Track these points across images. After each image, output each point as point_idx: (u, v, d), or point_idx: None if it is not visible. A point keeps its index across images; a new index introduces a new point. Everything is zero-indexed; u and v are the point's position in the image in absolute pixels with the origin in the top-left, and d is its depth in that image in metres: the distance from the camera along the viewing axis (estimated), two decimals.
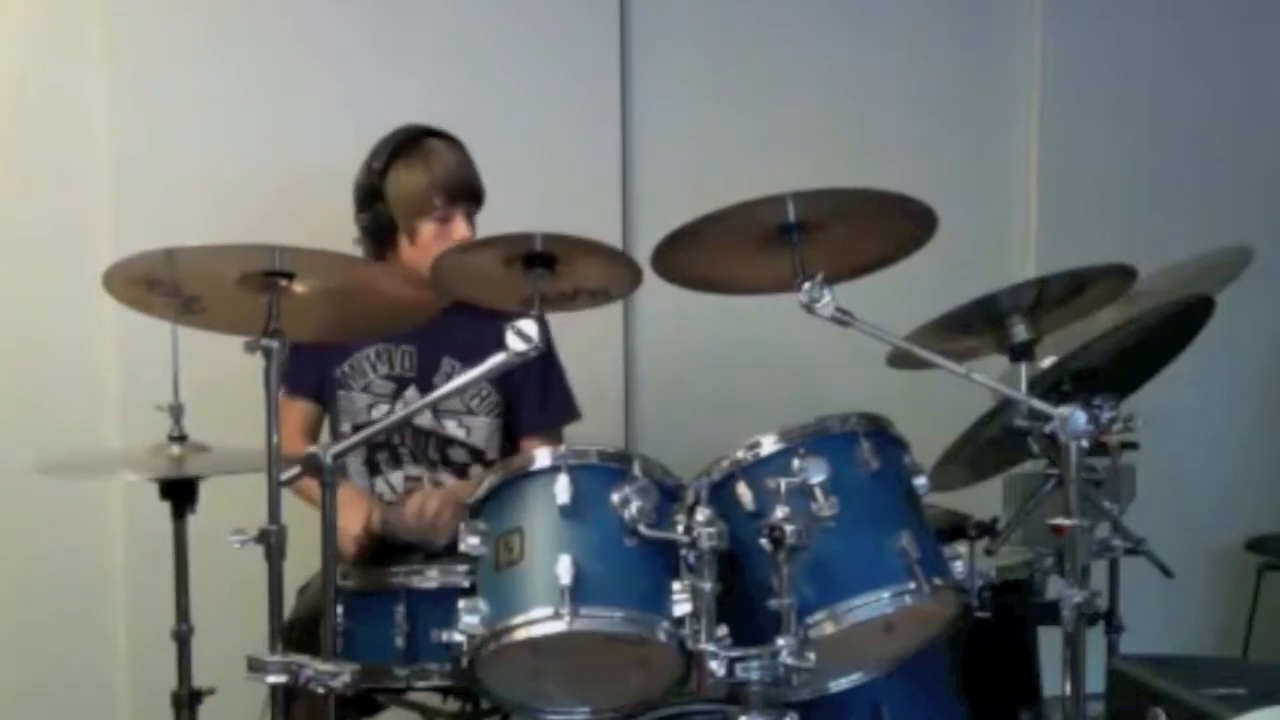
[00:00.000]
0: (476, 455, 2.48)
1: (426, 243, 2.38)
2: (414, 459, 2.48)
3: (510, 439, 2.50)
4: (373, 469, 2.49)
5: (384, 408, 2.44)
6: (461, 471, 2.48)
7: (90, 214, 2.91)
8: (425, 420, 2.46)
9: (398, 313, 2.11)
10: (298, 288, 1.89)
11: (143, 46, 2.96)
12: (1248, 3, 3.56)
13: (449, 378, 2.39)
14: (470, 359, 1.89)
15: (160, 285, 1.88)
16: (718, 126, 3.26)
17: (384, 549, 2.23)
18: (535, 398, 2.49)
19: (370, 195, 2.42)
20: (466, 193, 2.41)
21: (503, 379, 2.44)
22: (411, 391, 2.44)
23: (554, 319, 2.20)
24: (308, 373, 2.47)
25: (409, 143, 2.42)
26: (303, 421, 2.51)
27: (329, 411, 2.53)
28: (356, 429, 2.42)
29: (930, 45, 3.42)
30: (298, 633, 1.99)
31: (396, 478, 2.48)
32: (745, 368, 3.23)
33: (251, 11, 3.02)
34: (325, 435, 2.53)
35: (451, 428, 2.47)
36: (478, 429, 2.48)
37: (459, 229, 2.39)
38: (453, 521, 2.27)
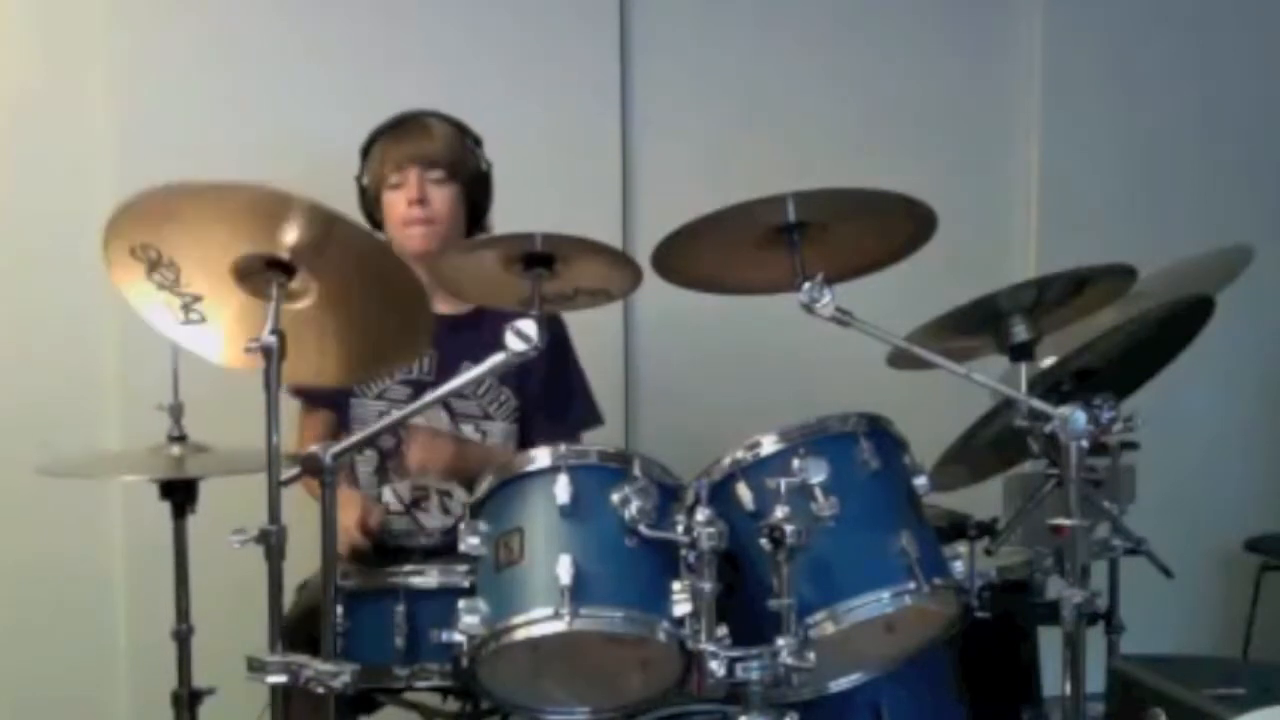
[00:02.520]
0: None
1: (388, 211, 2.43)
2: None
3: (525, 444, 2.48)
4: (382, 477, 2.49)
5: (397, 413, 2.42)
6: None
7: (90, 213, 2.90)
8: (441, 424, 2.45)
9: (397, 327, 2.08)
10: (297, 287, 1.88)
11: (143, 45, 2.96)
12: (1247, 3, 3.56)
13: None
14: None
15: (160, 268, 1.87)
16: (718, 126, 3.26)
17: (381, 550, 2.24)
18: (550, 404, 2.49)
19: (358, 180, 2.46)
20: (416, 158, 2.40)
21: (519, 383, 2.44)
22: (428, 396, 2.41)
23: None
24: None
25: (387, 127, 2.45)
26: (323, 431, 2.50)
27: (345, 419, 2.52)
28: None
29: (930, 46, 3.42)
30: (294, 629, 1.98)
31: (404, 486, 2.47)
32: (745, 368, 3.23)
33: (252, 12, 3.02)
34: None
35: (468, 432, 2.46)
36: (494, 433, 2.47)
37: (409, 190, 2.39)
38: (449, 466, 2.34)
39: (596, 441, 2.18)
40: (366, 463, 2.47)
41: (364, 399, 2.47)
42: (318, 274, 1.89)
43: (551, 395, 2.49)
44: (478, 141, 2.49)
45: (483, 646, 1.80)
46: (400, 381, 2.46)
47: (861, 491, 1.90)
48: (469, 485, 2.38)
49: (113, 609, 2.99)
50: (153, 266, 1.88)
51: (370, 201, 2.47)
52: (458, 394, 2.31)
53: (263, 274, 1.85)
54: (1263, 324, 3.53)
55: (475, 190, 2.46)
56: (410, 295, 1.93)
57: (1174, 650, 3.15)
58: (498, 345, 1.83)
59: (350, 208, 2.47)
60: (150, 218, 1.83)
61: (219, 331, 1.92)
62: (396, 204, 2.41)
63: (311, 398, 2.52)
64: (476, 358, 2.31)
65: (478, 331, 2.29)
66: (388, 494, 2.47)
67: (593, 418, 2.54)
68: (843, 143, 3.30)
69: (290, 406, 2.42)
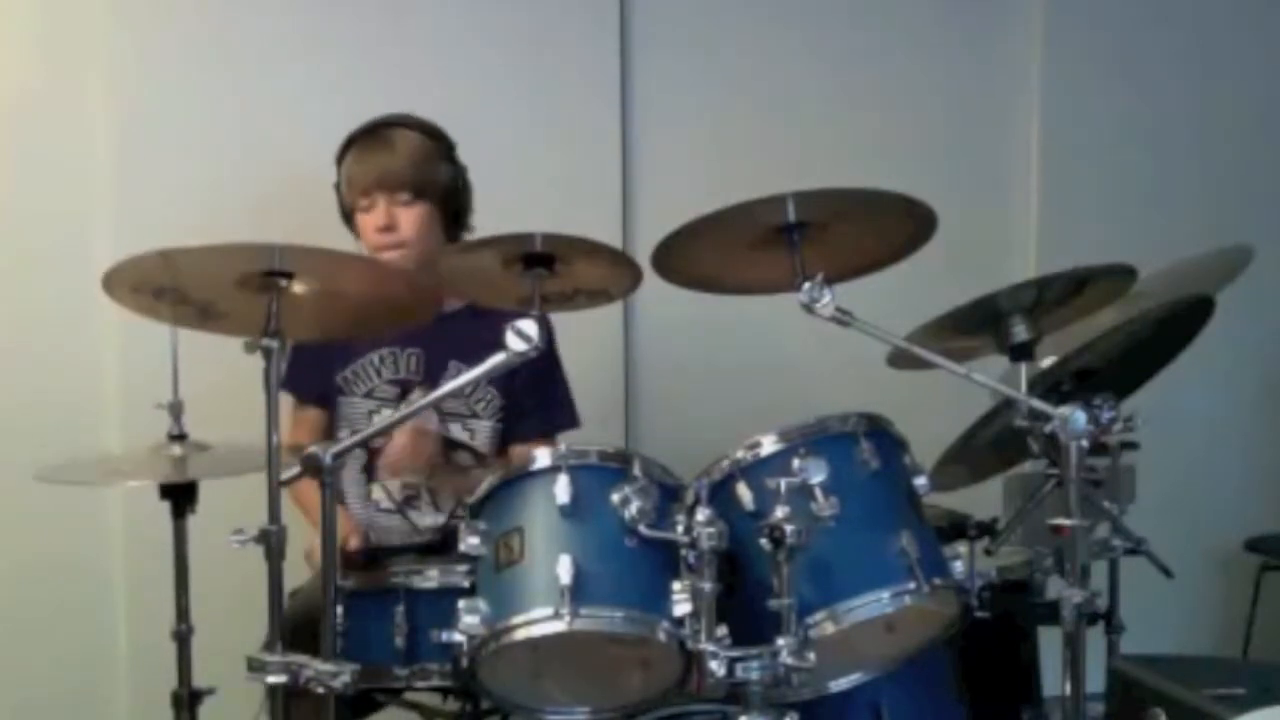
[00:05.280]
0: (479, 459, 2.47)
1: (361, 232, 2.44)
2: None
3: (505, 444, 2.49)
4: (370, 474, 2.48)
5: (386, 412, 2.43)
6: (464, 474, 2.46)
7: (90, 213, 2.91)
8: (431, 423, 2.45)
9: (398, 311, 2.10)
10: (298, 288, 1.89)
11: (143, 45, 2.96)
12: (1247, 3, 3.56)
13: None
14: (476, 362, 1.86)
15: (165, 293, 1.88)
16: (717, 127, 3.26)
17: (374, 551, 2.23)
18: (531, 404, 2.49)
19: (336, 188, 2.47)
20: (379, 183, 2.39)
21: (505, 383, 2.44)
22: (417, 394, 2.42)
23: (554, 319, 2.20)
24: (313, 380, 2.49)
25: (359, 136, 2.44)
26: (312, 429, 2.51)
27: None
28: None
29: (930, 45, 3.42)
30: (289, 636, 1.98)
31: (395, 484, 2.47)
32: (746, 368, 3.22)
33: (252, 11, 3.01)
34: None
35: (456, 431, 2.46)
36: (481, 432, 2.48)
37: (377, 216, 2.39)
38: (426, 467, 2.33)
39: (597, 441, 2.17)
40: (355, 460, 2.46)
41: (352, 397, 2.47)
42: (316, 274, 1.90)
43: (536, 397, 2.49)
44: (450, 146, 2.47)
45: (483, 646, 1.80)
46: (388, 381, 2.46)
47: (861, 491, 1.90)
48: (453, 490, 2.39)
49: (113, 609, 2.99)
50: (159, 294, 1.90)
51: (347, 213, 2.47)
52: None
53: (263, 279, 1.86)
54: (1263, 324, 3.52)
55: (447, 202, 2.45)
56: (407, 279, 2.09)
57: (1174, 650, 3.15)
58: (486, 342, 1.82)
59: None
60: (140, 269, 1.85)
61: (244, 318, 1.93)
62: (367, 227, 2.42)
63: (301, 394, 2.51)
64: (464, 355, 2.32)
65: (465, 328, 2.29)
66: (377, 491, 2.48)
67: (571, 421, 2.54)
68: (843, 141, 3.30)
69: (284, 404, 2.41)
